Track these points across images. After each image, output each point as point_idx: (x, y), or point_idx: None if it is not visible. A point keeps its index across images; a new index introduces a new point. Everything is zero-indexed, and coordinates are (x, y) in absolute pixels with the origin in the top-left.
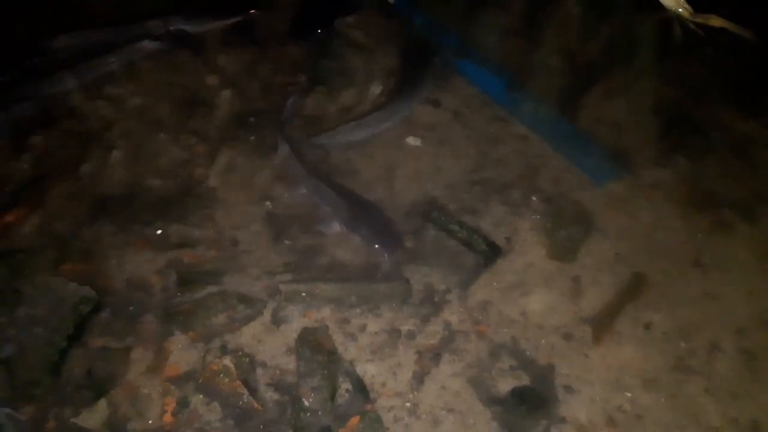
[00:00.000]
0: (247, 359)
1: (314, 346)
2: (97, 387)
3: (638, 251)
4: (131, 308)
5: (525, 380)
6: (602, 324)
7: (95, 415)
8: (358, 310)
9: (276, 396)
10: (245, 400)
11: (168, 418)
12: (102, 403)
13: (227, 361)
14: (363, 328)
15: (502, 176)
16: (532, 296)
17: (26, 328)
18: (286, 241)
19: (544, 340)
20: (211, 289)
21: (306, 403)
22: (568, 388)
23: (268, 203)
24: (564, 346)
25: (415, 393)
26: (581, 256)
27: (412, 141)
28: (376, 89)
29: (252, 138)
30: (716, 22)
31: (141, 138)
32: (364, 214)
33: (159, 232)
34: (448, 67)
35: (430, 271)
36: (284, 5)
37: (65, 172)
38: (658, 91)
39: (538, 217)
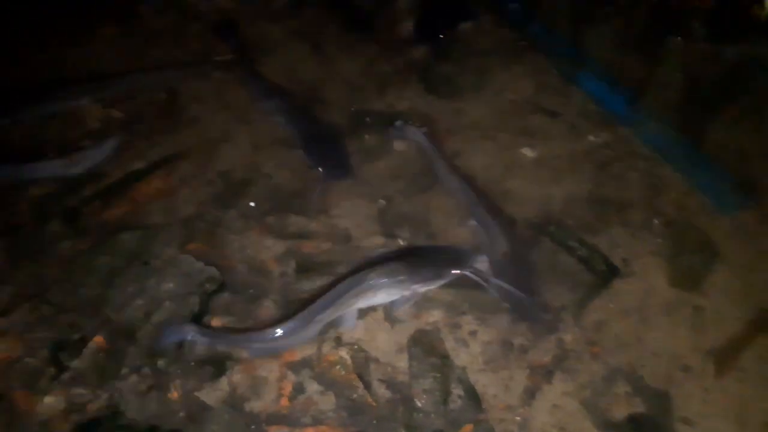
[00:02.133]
0: (363, 354)
1: (427, 349)
2: (219, 364)
3: (766, 287)
4: (251, 291)
5: (641, 408)
6: (725, 358)
7: (217, 392)
8: (470, 317)
9: (388, 393)
10: (359, 394)
11: (284, 402)
12: (223, 381)
13: (344, 353)
14: (475, 336)
15: (621, 195)
16: (650, 322)
17: (155, 300)
18: (400, 240)
19: (662, 369)
20: (328, 280)
21: (418, 404)
22: (686, 421)
23: (381, 201)
24: (682, 377)
25: (527, 408)
26: (704, 286)
27: (527, 151)
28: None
29: (367, 137)
30: None
31: (260, 129)
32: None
33: (252, 204)
34: (568, 78)
35: (544, 286)
36: (404, 7)
37: (191, 155)
38: None
39: (660, 240)
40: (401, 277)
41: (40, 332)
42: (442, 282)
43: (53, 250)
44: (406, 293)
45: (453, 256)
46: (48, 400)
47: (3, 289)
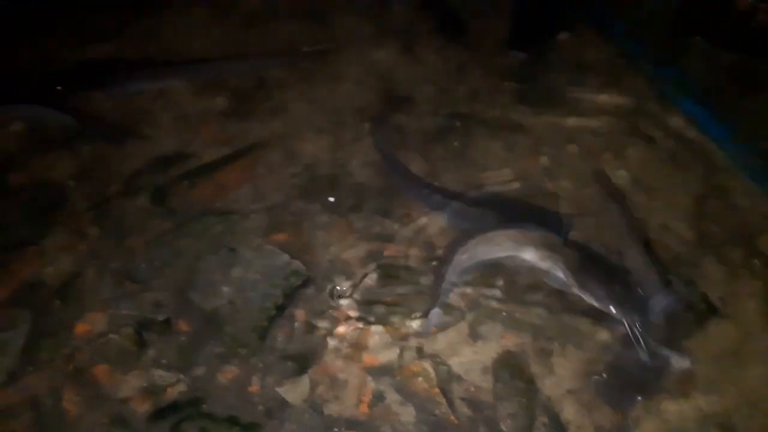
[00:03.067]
0: (445, 368)
1: (514, 371)
2: (300, 361)
3: None
4: (336, 289)
5: None
6: None
7: (298, 389)
8: (557, 343)
9: (469, 412)
10: (442, 410)
11: (364, 408)
12: (305, 379)
13: (427, 364)
14: (562, 364)
15: (719, 231)
16: (747, 369)
17: (240, 288)
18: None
19: (758, 422)
20: (410, 288)
21: (503, 428)
22: None
23: None
24: None
25: None
26: None
27: (620, 174)
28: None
29: (456, 144)
30: None
31: (346, 125)
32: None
33: (332, 199)
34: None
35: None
36: (501, 12)
37: (277, 145)
38: None
39: (759, 283)
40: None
41: (125, 309)
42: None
43: (140, 226)
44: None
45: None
46: (129, 378)
47: (90, 262)
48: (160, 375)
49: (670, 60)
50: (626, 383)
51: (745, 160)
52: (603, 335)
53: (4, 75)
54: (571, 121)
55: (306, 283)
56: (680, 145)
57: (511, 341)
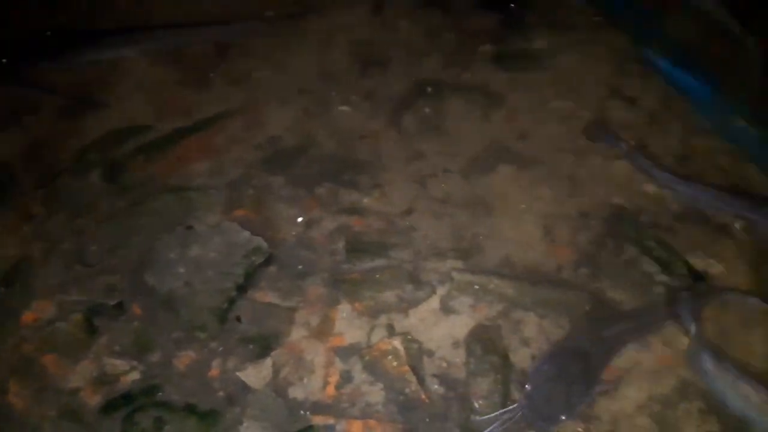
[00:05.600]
0: (416, 345)
1: (487, 346)
2: (263, 343)
3: None
4: (299, 267)
5: (715, 427)
6: None
7: (260, 373)
8: (532, 314)
9: (442, 390)
10: (412, 389)
11: (330, 390)
12: (267, 362)
13: (397, 342)
14: (537, 336)
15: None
16: (728, 335)
17: (197, 268)
18: (456, 226)
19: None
20: (380, 262)
21: (476, 405)
22: None
23: (441, 183)
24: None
25: (590, 417)
26: None
27: None
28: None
29: (427, 110)
30: None
31: (313, 93)
32: None
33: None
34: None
35: (613, 286)
36: None
37: (239, 115)
38: None
39: (742, 246)
40: None
41: (75, 294)
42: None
43: (92, 205)
44: None
45: None
46: (79, 368)
47: (36, 244)
48: (112, 363)
49: (651, 19)
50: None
51: (727, 122)
52: (577, 300)
53: None
54: (548, 84)
55: (269, 260)
56: (661, 106)
57: (483, 314)
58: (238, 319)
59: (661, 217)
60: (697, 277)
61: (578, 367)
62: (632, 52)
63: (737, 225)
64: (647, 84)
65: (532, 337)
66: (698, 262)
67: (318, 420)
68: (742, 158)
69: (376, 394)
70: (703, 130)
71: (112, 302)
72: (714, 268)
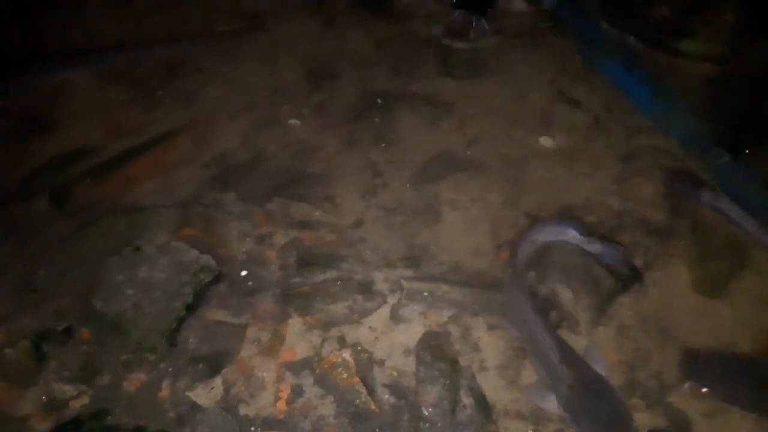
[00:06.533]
0: (366, 355)
1: (436, 352)
2: (213, 362)
3: None
4: (249, 283)
5: (663, 422)
6: None
7: (210, 391)
8: (481, 318)
9: (392, 399)
10: (362, 400)
11: (282, 405)
12: (217, 381)
13: (347, 354)
14: (486, 340)
15: (644, 193)
16: (672, 331)
17: (145, 289)
18: (406, 235)
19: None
20: (331, 274)
21: (425, 413)
22: None
23: (391, 192)
24: None
25: (539, 418)
26: (731, 293)
27: (546, 141)
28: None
29: (377, 120)
30: None
31: (264, 108)
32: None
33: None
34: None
35: (562, 287)
36: None
37: (189, 133)
38: None
39: (684, 243)
40: None
41: (23, 320)
42: None
43: (39, 231)
44: None
45: None
46: (29, 395)
47: None
48: (61, 389)
49: (594, 23)
50: None
51: (669, 121)
52: None
53: None
54: (495, 90)
55: (218, 278)
56: (604, 108)
57: (433, 321)
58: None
59: (605, 217)
60: (637, 275)
61: None
62: (577, 57)
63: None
64: (592, 87)
65: (481, 340)
66: (639, 262)
67: None
68: (683, 155)
69: (327, 406)
70: (646, 129)
71: (61, 327)
72: (655, 265)
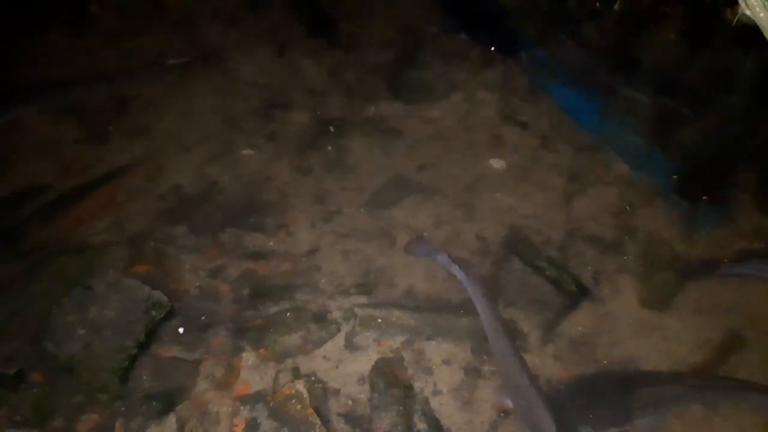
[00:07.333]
0: (320, 385)
1: (389, 379)
2: (166, 400)
3: (737, 307)
4: (202, 318)
5: None
6: None
7: (164, 430)
8: (434, 342)
9: (347, 428)
10: (317, 431)
11: None
12: (171, 419)
13: (300, 386)
14: (439, 364)
15: (591, 211)
16: (621, 345)
17: (96, 329)
18: (360, 261)
19: None
20: (285, 305)
21: None
22: None
23: (345, 219)
24: None
25: None
26: (676, 306)
27: (495, 163)
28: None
29: (330, 148)
30: None
31: (217, 139)
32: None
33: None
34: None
35: (511, 307)
36: (368, 10)
37: (141, 167)
38: (759, 132)
39: (630, 258)
40: None
41: None
42: None
43: None
44: None
45: None
46: None
47: None
48: None
49: (538, 44)
50: None
51: (615, 140)
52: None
53: None
54: (444, 114)
55: (171, 314)
56: (552, 128)
57: (387, 347)
58: None
59: (553, 236)
60: (585, 292)
61: None
62: (523, 79)
63: None
64: (538, 108)
65: (434, 364)
66: (587, 279)
67: None
68: (628, 171)
69: None
70: (591, 148)
71: (11, 372)
72: (603, 281)
